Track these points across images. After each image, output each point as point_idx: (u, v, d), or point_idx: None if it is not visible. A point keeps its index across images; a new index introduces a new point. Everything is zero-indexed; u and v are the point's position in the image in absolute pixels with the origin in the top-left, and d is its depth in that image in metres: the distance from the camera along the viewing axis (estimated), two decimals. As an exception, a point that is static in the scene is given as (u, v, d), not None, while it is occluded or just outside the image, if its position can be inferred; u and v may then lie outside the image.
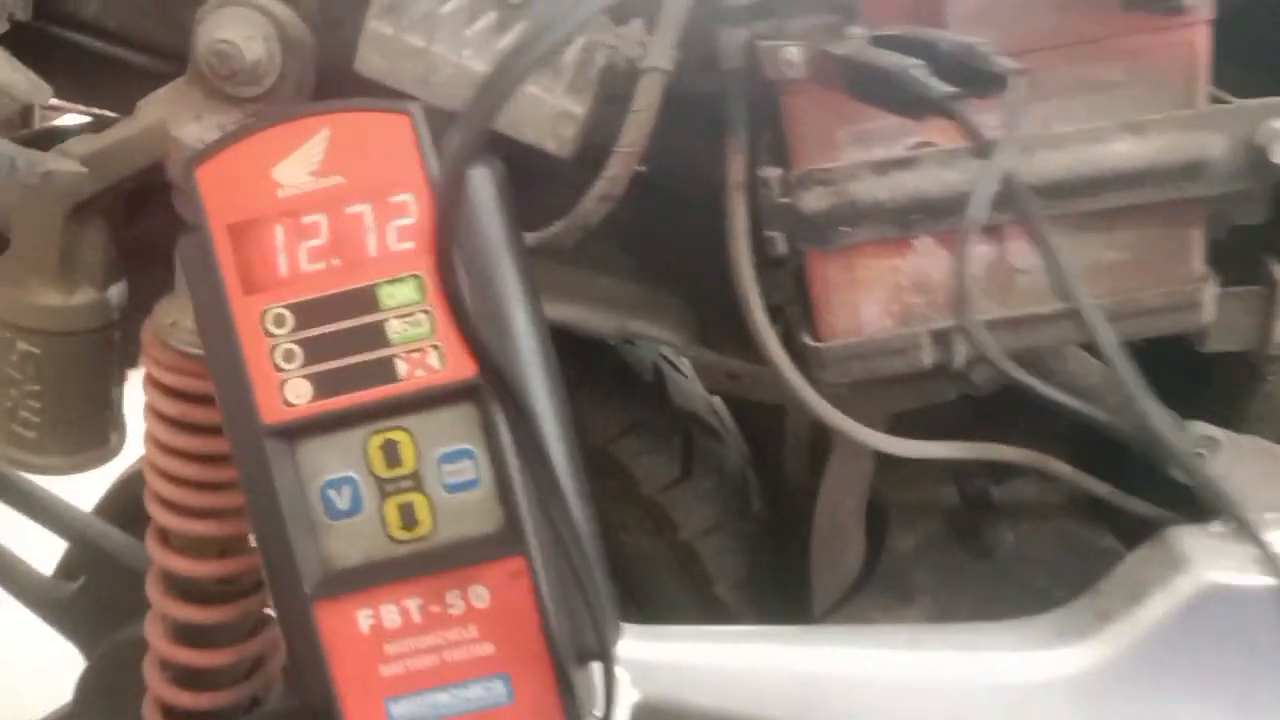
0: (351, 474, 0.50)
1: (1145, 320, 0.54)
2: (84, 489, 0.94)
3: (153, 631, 0.70)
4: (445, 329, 0.48)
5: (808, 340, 0.54)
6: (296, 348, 0.49)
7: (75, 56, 0.63)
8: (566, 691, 0.50)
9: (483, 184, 0.49)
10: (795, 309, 0.55)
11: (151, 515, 0.66)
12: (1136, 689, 0.63)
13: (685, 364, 0.86)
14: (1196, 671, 0.62)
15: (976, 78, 0.37)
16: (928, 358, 0.54)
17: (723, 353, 0.60)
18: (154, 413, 0.63)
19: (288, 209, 0.49)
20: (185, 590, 0.67)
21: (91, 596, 0.96)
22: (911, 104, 0.37)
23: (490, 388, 0.48)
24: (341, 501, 0.50)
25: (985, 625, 0.67)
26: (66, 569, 1.00)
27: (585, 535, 0.50)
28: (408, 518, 0.50)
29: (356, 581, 0.50)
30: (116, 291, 0.63)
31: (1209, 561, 0.62)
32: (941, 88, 0.36)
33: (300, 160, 0.48)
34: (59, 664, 0.97)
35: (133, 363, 0.68)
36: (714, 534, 0.81)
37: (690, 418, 0.82)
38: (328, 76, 0.54)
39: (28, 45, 0.59)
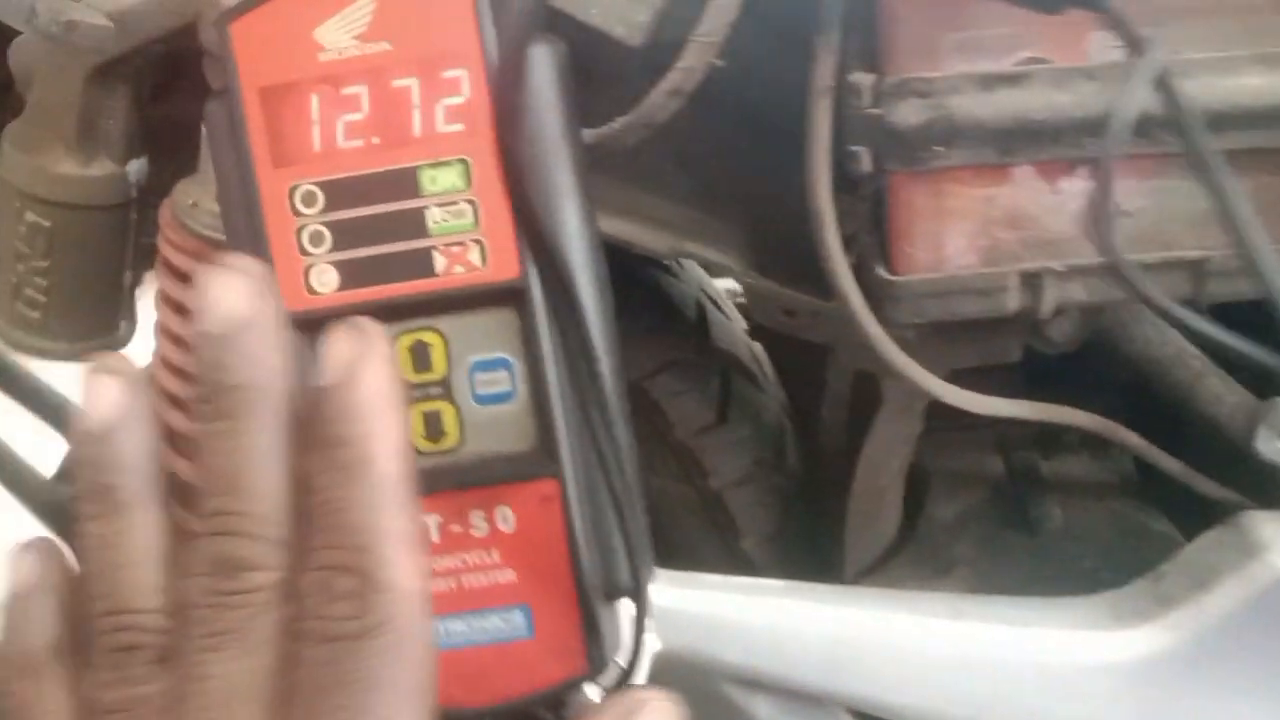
0: (375, 375, 0.46)
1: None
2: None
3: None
4: (491, 223, 0.44)
5: (882, 273, 0.49)
6: (325, 230, 0.45)
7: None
8: (591, 629, 0.46)
9: (542, 63, 0.44)
10: (870, 238, 0.50)
11: (160, 417, 0.62)
12: (1198, 680, 0.59)
13: (729, 306, 0.82)
14: (1267, 666, 0.57)
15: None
16: (1013, 302, 0.49)
17: (780, 285, 0.55)
18: (167, 301, 0.58)
19: (328, 75, 0.44)
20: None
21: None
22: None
23: (539, 284, 0.44)
24: (362, 404, 0.46)
25: (1032, 601, 0.63)
26: (68, 472, 0.96)
27: (628, 460, 0.45)
28: (433, 427, 0.46)
29: (372, 492, 0.45)
30: (136, 168, 0.59)
31: (1288, 551, 0.58)
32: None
33: (345, 21, 0.44)
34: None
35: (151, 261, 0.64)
36: (745, 485, 0.77)
37: (731, 360, 0.77)
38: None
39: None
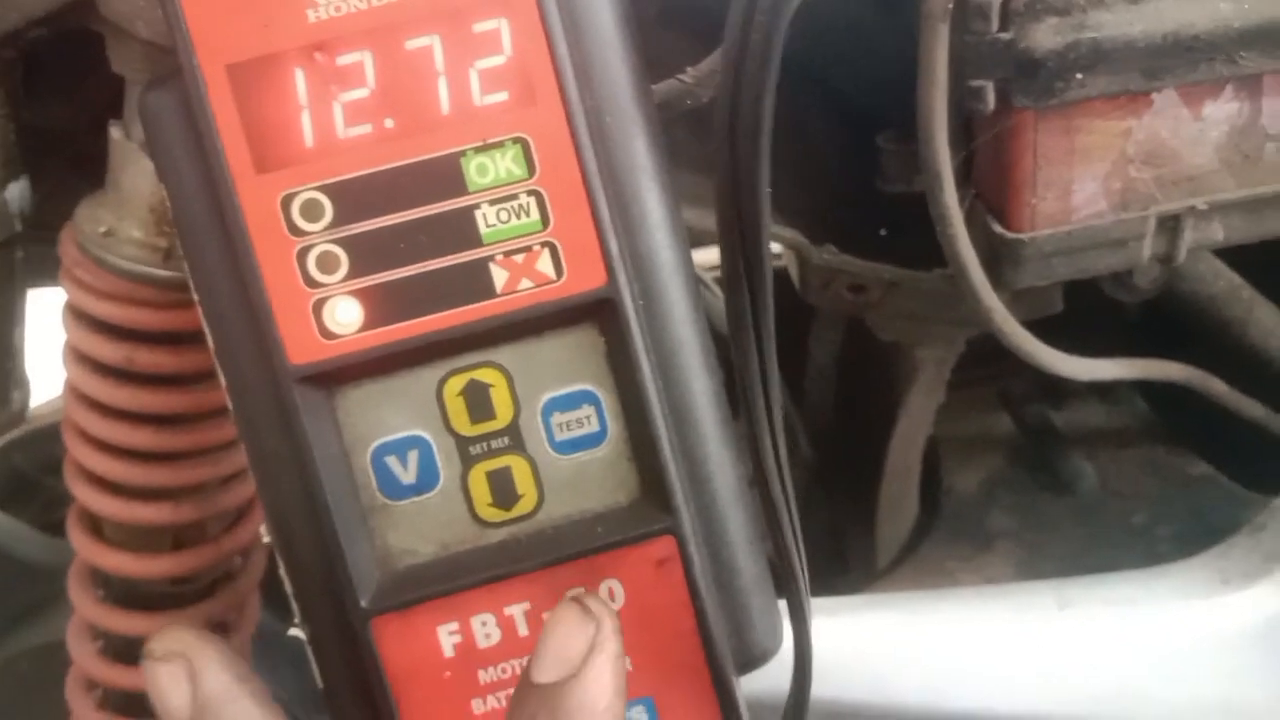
0: (420, 432, 0.35)
1: None
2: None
3: (78, 646, 0.53)
4: (565, 219, 0.33)
5: (1001, 232, 0.41)
6: (338, 250, 0.34)
7: None
8: (730, 713, 0.36)
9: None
10: (977, 192, 0.42)
11: (76, 497, 0.49)
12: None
13: (710, 281, 0.73)
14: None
15: None
16: (1149, 250, 0.42)
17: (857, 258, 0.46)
18: (82, 359, 0.45)
19: (318, 41, 0.33)
20: (124, 594, 0.51)
21: (-35, 596, 0.76)
22: None
23: (631, 292, 0.34)
24: (406, 473, 0.35)
25: (1133, 575, 0.57)
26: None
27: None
28: (504, 490, 0.36)
29: (433, 585, 0.35)
30: (17, 192, 0.45)
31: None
32: None
33: (340, -34, 0.32)
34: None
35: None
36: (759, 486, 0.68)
37: (728, 344, 0.68)
38: None
39: None
